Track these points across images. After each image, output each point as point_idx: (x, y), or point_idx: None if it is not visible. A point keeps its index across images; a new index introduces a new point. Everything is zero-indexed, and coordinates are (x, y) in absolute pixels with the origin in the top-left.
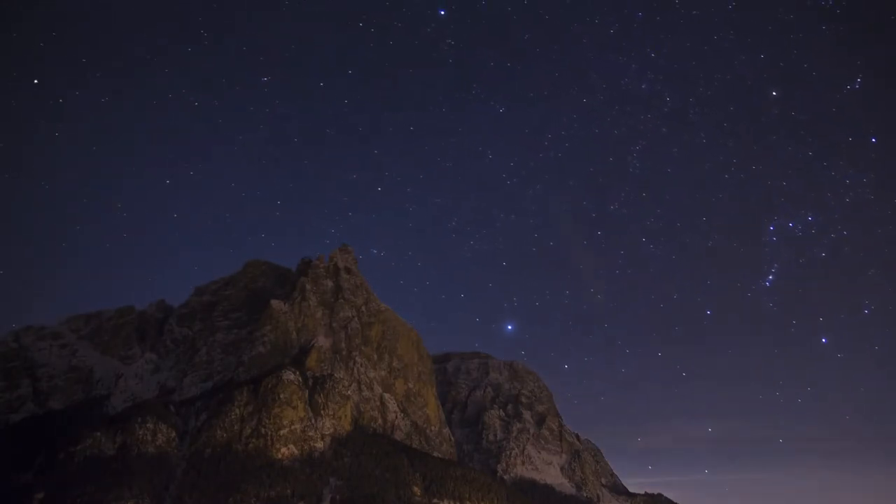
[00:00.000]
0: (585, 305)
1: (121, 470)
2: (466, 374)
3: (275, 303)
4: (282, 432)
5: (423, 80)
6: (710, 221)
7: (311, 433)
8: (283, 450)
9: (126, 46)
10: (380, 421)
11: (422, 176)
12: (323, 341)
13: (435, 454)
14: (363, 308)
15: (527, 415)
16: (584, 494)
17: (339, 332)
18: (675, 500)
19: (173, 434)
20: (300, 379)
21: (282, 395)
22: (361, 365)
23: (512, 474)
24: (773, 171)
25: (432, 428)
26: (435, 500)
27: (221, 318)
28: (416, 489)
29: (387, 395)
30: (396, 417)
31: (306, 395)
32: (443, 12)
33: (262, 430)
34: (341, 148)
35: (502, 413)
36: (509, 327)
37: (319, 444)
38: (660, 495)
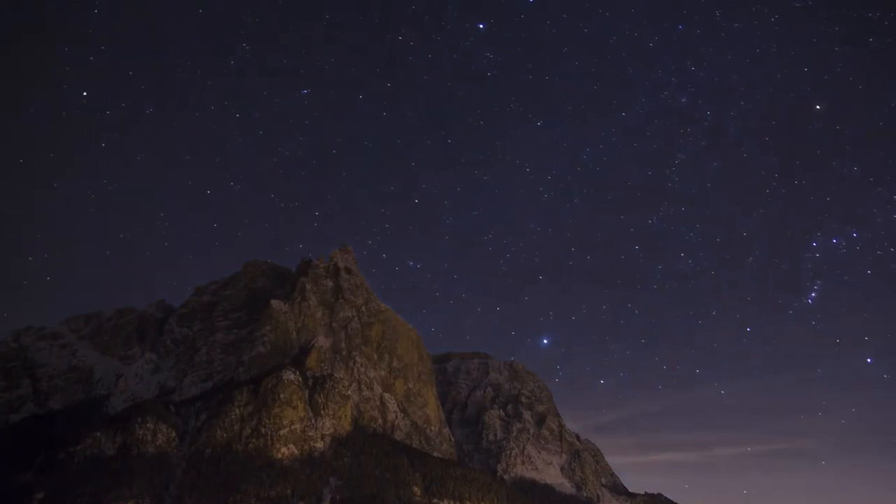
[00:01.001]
0: (623, 320)
1: (121, 470)
2: (466, 374)
3: (275, 303)
4: (282, 432)
5: (462, 94)
6: (751, 237)
7: (311, 433)
8: (283, 450)
9: (169, 60)
10: (380, 421)
11: (459, 188)
12: (323, 341)
13: (435, 454)
14: (363, 308)
15: (527, 415)
16: (584, 494)
17: (339, 332)
18: (674, 501)
19: (173, 434)
20: (300, 379)
21: (282, 395)
22: (361, 365)
23: (512, 474)
24: (817, 186)
25: (432, 428)
26: (435, 500)
27: (221, 318)
28: (416, 489)
29: (387, 395)
30: (396, 417)
31: (306, 395)
32: (482, 26)
33: (262, 430)
34: (379, 160)
35: (502, 413)
36: (545, 341)
37: (319, 444)
38: (659, 495)
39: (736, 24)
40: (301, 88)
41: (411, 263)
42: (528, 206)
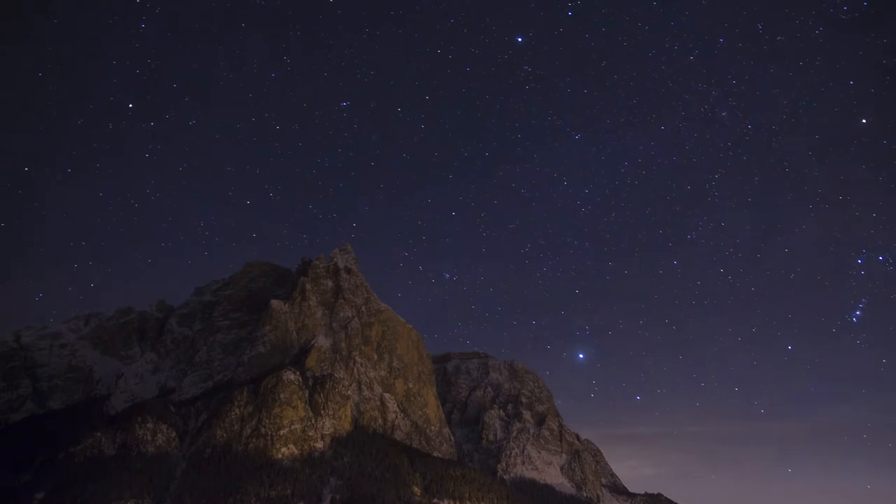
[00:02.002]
0: (660, 336)
1: (121, 470)
2: (466, 374)
3: (275, 303)
4: (282, 432)
5: (499, 107)
6: (793, 253)
7: (311, 433)
8: (283, 450)
9: (212, 73)
10: (380, 421)
11: (496, 201)
12: (323, 341)
13: (435, 454)
14: (363, 308)
15: (527, 415)
16: (584, 494)
17: (339, 332)
18: (675, 501)
19: (173, 434)
20: (300, 379)
21: (282, 395)
22: (361, 365)
23: (512, 474)
24: (862, 201)
25: (432, 428)
26: (435, 500)
27: (221, 318)
28: (416, 489)
29: (387, 395)
30: (396, 417)
31: (306, 395)
32: (520, 39)
33: (262, 430)
34: (417, 172)
35: (502, 413)
36: (581, 356)
37: (319, 444)
38: (659, 495)
39: (779, 37)
40: (341, 101)
41: (447, 275)
42: (566, 220)
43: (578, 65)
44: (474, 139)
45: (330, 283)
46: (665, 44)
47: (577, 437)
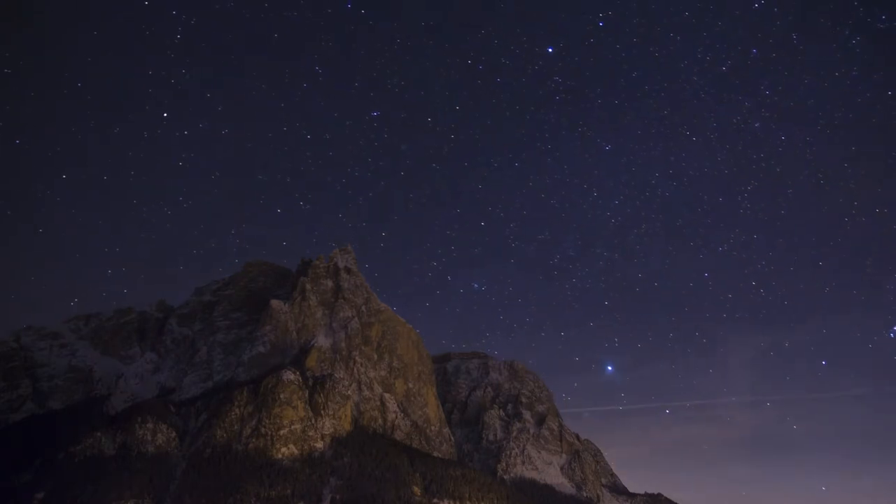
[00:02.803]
0: (690, 349)
1: (121, 470)
2: (466, 374)
3: (275, 303)
4: (282, 432)
5: (530, 117)
6: (828, 267)
7: (311, 433)
8: (283, 450)
9: (245, 83)
10: (380, 421)
11: (525, 212)
12: (323, 341)
13: (435, 454)
14: (363, 308)
15: (527, 415)
16: (584, 494)
17: (339, 332)
18: (675, 501)
19: (173, 434)
20: (300, 379)
21: (282, 395)
22: (361, 365)
23: (512, 474)
24: None
25: (432, 428)
26: (435, 500)
27: (221, 318)
28: (416, 489)
29: (387, 395)
30: (396, 417)
31: (306, 395)
32: (551, 49)
33: (262, 430)
34: (447, 182)
35: (502, 413)
36: (609, 368)
37: (319, 444)
38: (659, 495)
39: (814, 47)
40: (371, 111)
41: (476, 286)
42: (595, 231)
43: (609, 75)
44: (504, 150)
45: (330, 283)
46: (697, 54)
47: (577, 437)
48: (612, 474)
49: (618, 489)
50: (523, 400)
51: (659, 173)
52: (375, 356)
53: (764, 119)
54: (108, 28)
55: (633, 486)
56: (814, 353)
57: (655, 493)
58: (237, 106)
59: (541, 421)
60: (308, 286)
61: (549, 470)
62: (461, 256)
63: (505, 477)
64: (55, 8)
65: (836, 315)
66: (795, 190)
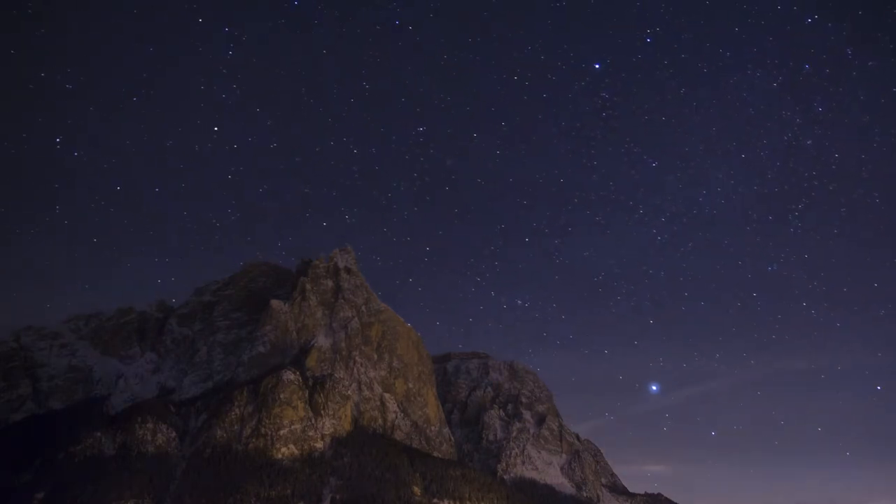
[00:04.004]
0: (737, 370)
1: (121, 470)
2: (466, 374)
3: (275, 303)
4: (282, 432)
5: (575, 133)
6: (882, 288)
7: (311, 433)
8: (283, 450)
9: (294, 98)
10: (380, 421)
11: (570, 228)
12: (323, 341)
13: (435, 454)
14: (363, 308)
15: (527, 415)
16: (584, 494)
17: (339, 332)
18: (674, 501)
19: (173, 434)
20: (300, 379)
21: (282, 395)
22: (361, 365)
23: (512, 474)
24: None
25: (432, 428)
26: (435, 500)
27: (221, 318)
28: (416, 489)
29: (387, 395)
30: (396, 417)
31: (306, 395)
32: (597, 66)
33: (262, 430)
34: (491, 198)
35: (502, 413)
36: (654, 388)
37: (319, 444)
38: (659, 495)
39: (870, 63)
40: (418, 126)
41: (519, 302)
42: (641, 249)
43: (657, 91)
44: (549, 165)
45: (330, 283)
46: (747, 70)
47: (577, 436)
48: (612, 474)
49: (618, 489)
50: (523, 400)
51: (707, 190)
52: (375, 356)
53: (817, 136)
54: (164, 46)
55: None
56: (868, 378)
57: (655, 493)
58: (285, 121)
59: (541, 421)
60: (308, 286)
61: (549, 470)
62: (505, 272)
63: (505, 477)
64: (110, 26)
65: (892, 339)
66: (849, 209)
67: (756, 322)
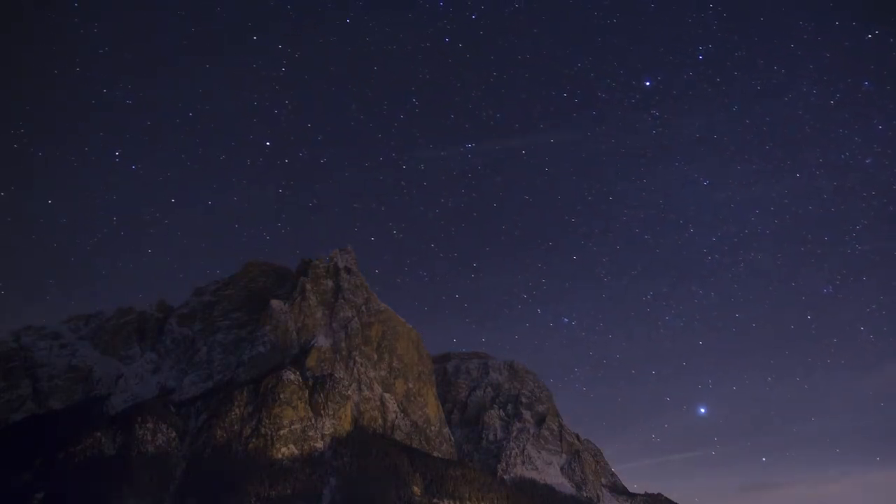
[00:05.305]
0: (789, 395)
1: (121, 470)
2: (466, 374)
3: (275, 303)
4: (282, 432)
5: (625, 151)
6: None
7: (311, 433)
8: (283, 450)
9: (344, 114)
10: (380, 421)
11: (618, 247)
12: (323, 341)
13: (435, 454)
14: (363, 308)
15: (527, 415)
16: (584, 494)
17: (339, 332)
18: (674, 501)
19: (173, 434)
20: (300, 379)
21: (282, 395)
22: (361, 365)
23: (512, 474)
24: None
25: (432, 428)
26: (435, 500)
27: (221, 318)
28: (416, 489)
29: (387, 395)
30: (396, 417)
31: (306, 395)
32: (648, 83)
33: (262, 430)
34: (539, 214)
35: (502, 413)
36: (702, 410)
37: (319, 444)
38: (659, 495)
39: None
40: (466, 142)
41: (566, 320)
42: (691, 268)
43: (708, 109)
44: (598, 183)
45: (330, 283)
46: (802, 87)
47: (578, 437)
48: (612, 474)
49: (618, 489)
50: (523, 400)
51: (759, 210)
52: (375, 356)
53: (876, 155)
54: (220, 62)
55: None
56: None
57: (655, 493)
58: (336, 136)
59: (541, 421)
60: (308, 286)
61: (549, 470)
62: (552, 290)
63: (505, 477)
64: (168, 46)
65: None
66: None
67: (810, 345)
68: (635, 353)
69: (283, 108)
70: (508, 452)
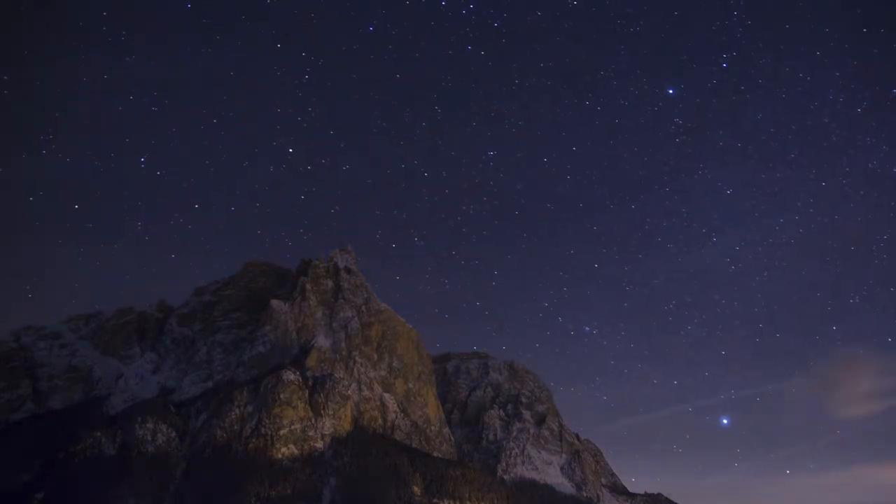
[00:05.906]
0: (817, 408)
1: (121, 470)
2: (466, 374)
3: (275, 303)
4: (282, 432)
5: (648, 159)
6: None
7: (311, 433)
8: (283, 450)
9: (367, 121)
10: (380, 421)
11: (640, 255)
12: (323, 341)
13: (435, 454)
14: (363, 308)
15: (527, 415)
16: (584, 494)
17: (339, 332)
18: (675, 501)
19: (173, 434)
20: (300, 379)
21: (282, 395)
22: (361, 365)
23: (512, 474)
24: None
25: (432, 428)
26: (435, 500)
27: (221, 318)
28: (416, 489)
29: (387, 395)
30: (396, 417)
31: (306, 395)
32: (671, 91)
33: (262, 430)
34: (561, 223)
35: (502, 413)
36: (725, 421)
37: (319, 444)
38: (659, 495)
39: None
40: (488, 150)
41: (587, 328)
42: (714, 277)
43: (732, 117)
44: (621, 191)
45: (330, 283)
46: (829, 95)
47: (577, 437)
48: (612, 474)
49: (618, 489)
50: (523, 400)
51: (784, 219)
52: (375, 356)
53: None
54: (242, 70)
55: None
56: None
57: (655, 493)
58: (358, 143)
59: (541, 421)
60: (308, 286)
61: (549, 470)
62: (573, 298)
63: (505, 477)
64: (192, 53)
65: None
66: None
67: (836, 356)
68: (657, 363)
69: (305, 115)
70: (508, 452)
